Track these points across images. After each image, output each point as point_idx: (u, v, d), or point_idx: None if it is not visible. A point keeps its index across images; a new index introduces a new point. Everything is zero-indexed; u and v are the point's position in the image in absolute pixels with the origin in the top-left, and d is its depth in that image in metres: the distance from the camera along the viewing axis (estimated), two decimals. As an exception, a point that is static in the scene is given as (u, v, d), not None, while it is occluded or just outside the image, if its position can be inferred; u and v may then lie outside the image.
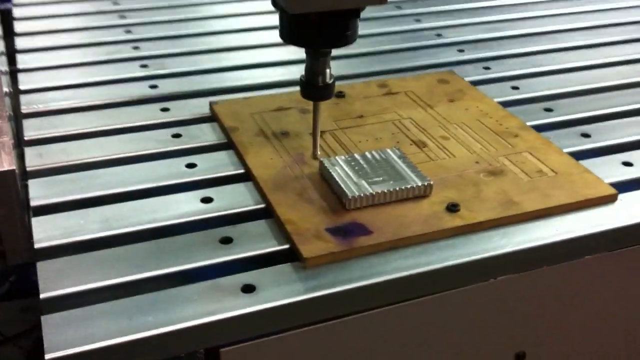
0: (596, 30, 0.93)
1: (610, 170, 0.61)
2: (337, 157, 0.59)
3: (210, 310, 0.45)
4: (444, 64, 0.82)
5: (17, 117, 0.68)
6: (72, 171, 0.59)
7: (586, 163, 0.62)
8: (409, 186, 0.55)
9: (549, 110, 0.72)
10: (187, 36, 0.87)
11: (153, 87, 0.74)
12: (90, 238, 0.51)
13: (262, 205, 0.56)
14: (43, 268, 0.48)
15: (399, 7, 0.98)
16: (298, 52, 0.82)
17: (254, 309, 0.46)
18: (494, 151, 0.62)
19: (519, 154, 0.62)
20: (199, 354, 0.47)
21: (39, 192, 0.56)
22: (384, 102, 0.71)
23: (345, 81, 0.76)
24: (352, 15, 0.52)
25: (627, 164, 0.63)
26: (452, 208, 0.54)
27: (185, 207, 0.55)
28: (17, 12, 0.91)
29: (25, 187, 0.57)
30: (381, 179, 0.56)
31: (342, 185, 0.55)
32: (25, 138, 0.64)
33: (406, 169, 0.57)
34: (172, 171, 0.60)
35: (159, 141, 0.64)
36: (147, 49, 0.83)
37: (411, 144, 0.63)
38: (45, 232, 0.52)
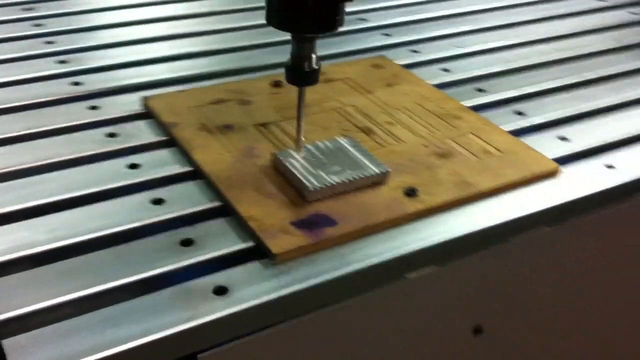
0: (510, 10, 0.96)
1: (548, 145, 0.63)
2: (289, 150, 0.57)
3: (185, 317, 0.43)
4: (372, 48, 0.82)
5: None
6: (4, 180, 0.55)
7: (525, 140, 0.64)
8: (367, 174, 0.55)
9: (481, 90, 0.73)
10: (103, 27, 0.83)
11: (76, 83, 0.70)
12: (41, 251, 0.48)
13: (218, 203, 0.54)
14: (-4, 287, 0.44)
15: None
16: (227, 41, 0.81)
17: (230, 311, 0.44)
18: (439, 134, 0.63)
19: (464, 136, 0.63)
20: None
21: (-25, 204, 0.52)
22: (324, 90, 0.70)
23: (275, 70, 0.75)
24: None
25: (563, 138, 0.65)
26: (411, 192, 0.55)
27: (136, 210, 0.52)
28: None
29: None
30: (338, 168, 0.55)
31: (301, 178, 0.54)
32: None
33: (361, 157, 0.57)
34: (115, 173, 0.56)
35: (94, 142, 0.60)
36: (62, 44, 0.78)
37: (358, 132, 0.63)
38: (-8, 247, 0.48)
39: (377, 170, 0.55)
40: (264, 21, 0.53)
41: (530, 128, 0.67)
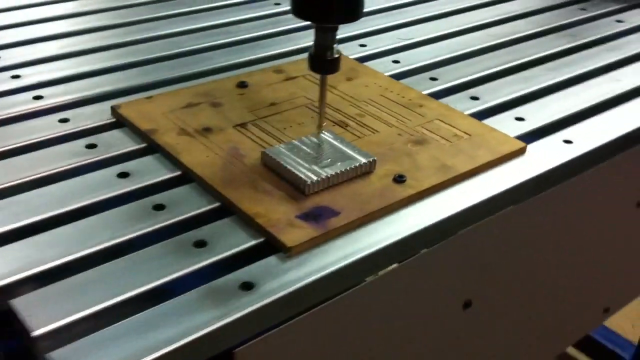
0: (440, 0, 1.01)
1: (507, 126, 0.68)
2: (278, 146, 0.59)
3: (219, 313, 0.44)
4: (321, 44, 0.84)
5: None
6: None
7: (486, 122, 0.68)
8: (357, 164, 0.57)
9: (434, 79, 0.77)
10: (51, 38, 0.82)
11: (38, 97, 0.68)
12: (53, 266, 0.47)
13: (218, 204, 0.55)
14: (21, 305, 0.44)
15: (253, -7, 0.99)
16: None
17: (262, 304, 0.45)
18: (409, 122, 0.66)
19: (432, 122, 0.67)
20: None
21: (-32, 227, 0.50)
22: (288, 87, 0.72)
23: (237, 70, 0.76)
24: None
25: (519, 118, 0.70)
26: (399, 179, 0.58)
27: (140, 217, 0.52)
28: None
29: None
30: (329, 160, 0.57)
31: (297, 173, 0.55)
32: None
33: (346, 148, 0.59)
34: (107, 183, 0.56)
35: (76, 154, 0.60)
36: (9, 57, 0.76)
37: (334, 125, 0.65)
38: (2, 268, 0.47)
39: (365, 160, 0.58)
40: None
41: (488, 111, 0.71)
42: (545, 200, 0.64)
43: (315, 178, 0.55)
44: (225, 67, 0.78)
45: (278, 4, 0.96)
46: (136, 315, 0.44)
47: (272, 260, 0.49)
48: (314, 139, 0.60)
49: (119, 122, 0.65)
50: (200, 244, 0.50)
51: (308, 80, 0.74)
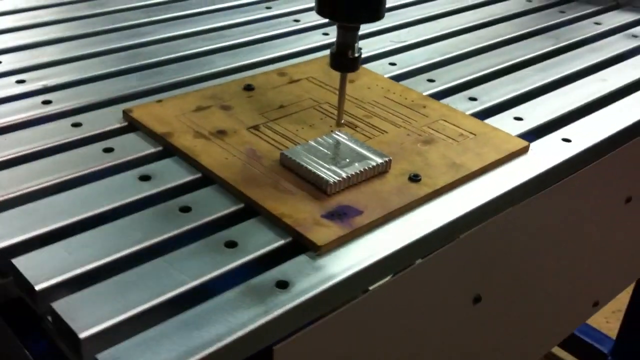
0: (423, 5, 1.03)
1: (507, 126, 0.71)
2: (295, 147, 0.61)
3: (259, 311, 0.45)
4: (317, 48, 0.86)
5: None
6: (16, 204, 0.54)
7: (487, 122, 0.71)
8: (374, 164, 0.59)
9: (431, 80, 0.80)
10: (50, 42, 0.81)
11: (47, 102, 0.69)
12: (91, 268, 0.48)
13: (241, 205, 0.56)
14: (63, 307, 0.44)
15: (244, -4, 1.00)
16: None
17: (299, 302, 0.47)
18: (415, 123, 0.69)
19: (436, 122, 0.69)
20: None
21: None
22: (293, 90, 0.73)
23: (240, 74, 0.77)
24: None
25: (518, 118, 0.73)
26: (414, 178, 0.60)
27: (169, 220, 0.53)
28: None
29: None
30: (347, 160, 0.59)
31: (319, 173, 0.57)
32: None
33: (362, 149, 0.61)
34: (130, 187, 0.57)
35: (95, 158, 0.60)
36: (11, 61, 0.76)
37: (343, 127, 0.67)
38: (36, 271, 0.47)
39: (381, 160, 0.60)
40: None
41: (487, 111, 0.74)
42: (547, 198, 0.66)
43: (336, 178, 0.57)
44: (227, 70, 0.79)
45: (269, 7, 0.98)
46: (180, 314, 0.45)
47: (303, 259, 0.51)
48: (329, 140, 0.62)
49: (131, 125, 0.66)
50: (231, 244, 0.51)
51: (311, 82, 0.75)
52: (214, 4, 0.97)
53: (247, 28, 0.90)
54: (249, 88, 0.73)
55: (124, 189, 0.56)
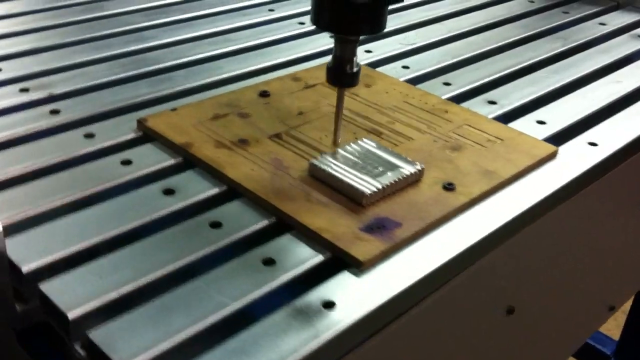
0: (427, 6, 1.01)
1: (530, 130, 0.69)
2: (324, 156, 0.58)
3: (310, 334, 0.43)
4: (325, 52, 0.84)
5: None
6: (36, 223, 0.51)
7: (511, 126, 0.69)
8: (407, 173, 0.57)
9: (447, 84, 0.78)
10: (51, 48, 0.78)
11: (55, 112, 0.65)
12: (125, 292, 0.45)
13: (274, 219, 0.53)
14: (100, 336, 0.41)
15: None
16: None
17: (349, 323, 0.44)
18: (439, 128, 0.67)
19: (461, 127, 0.67)
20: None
21: (21, 254, 0.47)
22: (310, 95, 0.71)
23: (251, 79, 0.75)
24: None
25: (541, 122, 0.71)
26: (449, 187, 0.58)
27: (201, 236, 0.50)
28: None
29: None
30: (379, 170, 0.57)
31: (353, 184, 0.55)
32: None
33: (392, 157, 0.59)
34: (155, 202, 0.54)
35: (113, 172, 0.57)
36: (12, 69, 0.72)
37: (368, 133, 0.65)
38: (67, 297, 0.44)
39: (414, 169, 0.57)
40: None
41: (508, 115, 0.72)
42: (576, 203, 0.65)
43: (372, 189, 0.54)
44: (237, 75, 0.76)
45: (272, 10, 0.95)
46: (227, 341, 0.42)
47: (346, 276, 0.48)
48: (358, 148, 0.60)
49: (146, 135, 0.63)
50: (269, 261, 0.49)
51: (327, 87, 0.72)
52: (214, 7, 0.94)
53: (252, 32, 0.88)
54: (264, 94, 0.70)
55: (148, 205, 0.53)
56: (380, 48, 0.85)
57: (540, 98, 0.76)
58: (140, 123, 0.63)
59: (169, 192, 0.55)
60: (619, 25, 1.00)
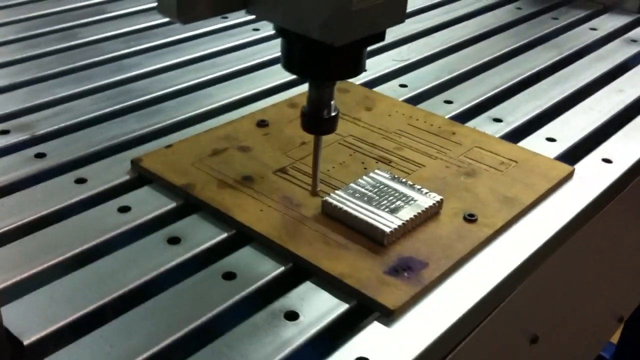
0: (412, 19, 0.98)
1: (541, 148, 0.66)
2: (337, 193, 0.54)
3: (348, 400, 0.40)
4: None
5: None
6: (33, 287, 0.46)
7: (522, 145, 0.66)
8: (426, 206, 0.54)
9: (449, 102, 0.75)
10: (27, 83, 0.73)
11: (40, 155, 0.61)
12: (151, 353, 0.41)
13: (291, 265, 0.50)
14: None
15: (226, 17, 0.93)
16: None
17: (388, 383, 0.41)
18: (450, 152, 0.63)
19: (472, 150, 0.64)
20: None
21: (20, 324, 0.43)
22: (311, 122, 0.67)
23: (245, 107, 0.71)
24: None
25: (550, 139, 0.68)
26: (470, 218, 0.54)
27: (215, 290, 0.47)
28: None
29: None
30: (397, 204, 0.53)
31: (372, 222, 0.51)
32: None
33: (408, 189, 0.55)
34: (160, 252, 0.50)
35: (110, 221, 0.53)
36: (-12, 110, 0.67)
37: (377, 162, 0.61)
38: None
39: (432, 201, 0.54)
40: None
41: (516, 132, 0.70)
42: (595, 224, 0.62)
43: (392, 227, 0.51)
44: (230, 104, 0.72)
45: (257, 29, 0.91)
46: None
47: (377, 327, 0.45)
48: (371, 181, 0.56)
49: (142, 176, 0.59)
50: (292, 316, 0.45)
51: (327, 113, 0.69)
52: (196, 29, 0.90)
53: (239, 54, 0.84)
54: (262, 124, 0.66)
55: (153, 256, 0.49)
56: (375, 66, 0.82)
57: (545, 113, 0.74)
58: (135, 163, 0.59)
59: (174, 240, 0.51)
60: (610, 30, 0.98)
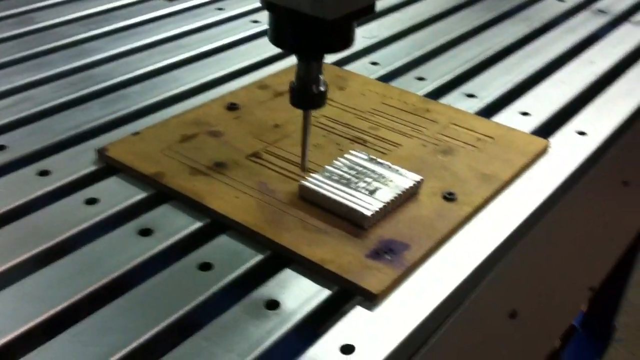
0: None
1: (516, 123, 0.66)
2: (314, 176, 0.53)
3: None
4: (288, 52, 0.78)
5: None
6: (3, 284, 0.44)
7: (496, 120, 0.65)
8: (406, 187, 0.52)
9: (421, 78, 0.74)
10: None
11: (1, 148, 0.58)
12: (121, 356, 0.39)
13: (269, 253, 0.48)
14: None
15: None
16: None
17: (374, 370, 0.40)
18: (426, 131, 0.62)
19: (448, 128, 0.63)
20: None
21: (-12, 327, 0.41)
22: (282, 104, 0.65)
23: (214, 90, 0.69)
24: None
25: (524, 113, 0.68)
26: (449, 197, 0.53)
27: (194, 283, 0.45)
28: None
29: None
30: (375, 186, 0.52)
31: (351, 205, 0.50)
32: None
33: (386, 170, 0.54)
34: (130, 245, 0.48)
35: (79, 214, 0.50)
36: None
37: (352, 143, 0.60)
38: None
39: (412, 182, 0.53)
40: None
41: (489, 108, 0.69)
42: (573, 197, 0.62)
43: (372, 209, 0.50)
44: (198, 87, 0.70)
45: (221, 9, 0.89)
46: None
47: (360, 312, 0.44)
48: (347, 162, 0.55)
49: (109, 166, 0.56)
50: (273, 305, 0.44)
51: (298, 94, 0.67)
52: (158, 9, 0.87)
53: (205, 35, 0.81)
54: (233, 107, 0.64)
55: (124, 250, 0.47)
56: (344, 44, 0.80)
57: (517, 87, 0.73)
58: (101, 153, 0.57)
59: (145, 232, 0.49)
60: (578, 1, 0.97)
